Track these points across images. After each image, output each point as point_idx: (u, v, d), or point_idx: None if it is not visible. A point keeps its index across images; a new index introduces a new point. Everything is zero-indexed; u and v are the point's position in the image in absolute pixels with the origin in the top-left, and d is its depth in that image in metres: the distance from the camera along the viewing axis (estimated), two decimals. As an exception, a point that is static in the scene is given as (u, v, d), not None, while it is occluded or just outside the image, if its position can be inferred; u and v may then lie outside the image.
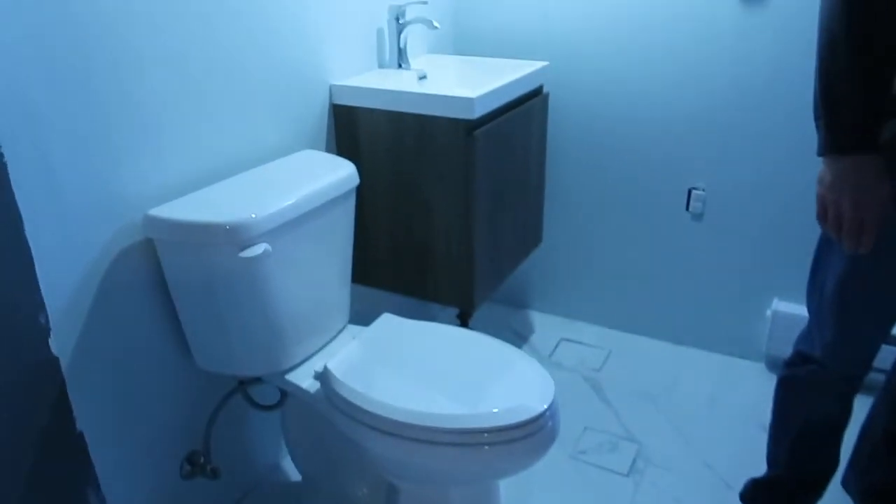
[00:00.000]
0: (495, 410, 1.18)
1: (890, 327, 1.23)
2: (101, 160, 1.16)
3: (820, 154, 1.03)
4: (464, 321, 1.83)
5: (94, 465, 1.18)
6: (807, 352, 1.30)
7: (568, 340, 2.24)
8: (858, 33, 0.95)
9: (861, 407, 1.46)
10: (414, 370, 1.31)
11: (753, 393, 1.95)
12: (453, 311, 1.82)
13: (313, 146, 1.65)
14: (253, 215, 1.20)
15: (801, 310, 1.90)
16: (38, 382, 1.07)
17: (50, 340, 1.08)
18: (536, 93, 1.92)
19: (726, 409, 1.91)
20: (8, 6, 0.99)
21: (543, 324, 2.33)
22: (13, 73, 1.02)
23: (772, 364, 2.05)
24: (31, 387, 1.06)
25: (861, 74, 0.96)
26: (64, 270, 1.14)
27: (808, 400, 1.33)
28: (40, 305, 1.06)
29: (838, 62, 0.97)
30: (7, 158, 0.98)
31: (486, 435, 1.15)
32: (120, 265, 1.23)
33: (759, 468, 1.46)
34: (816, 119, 1.02)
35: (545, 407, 1.19)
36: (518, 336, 2.26)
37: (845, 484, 1.58)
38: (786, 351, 1.38)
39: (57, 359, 1.09)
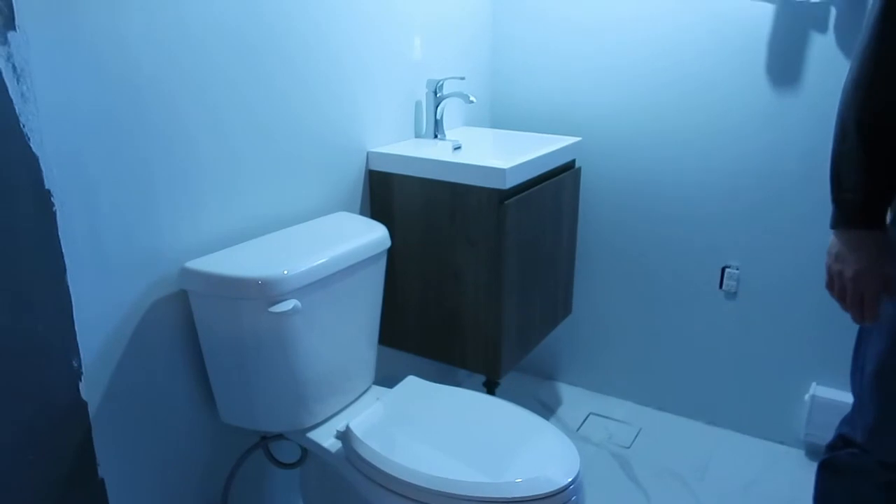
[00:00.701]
0: (518, 481, 1.15)
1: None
2: (143, 215, 1.21)
3: (830, 227, 1.08)
4: (490, 389, 1.81)
5: (113, 514, 1.18)
6: (849, 435, 1.25)
7: (597, 415, 2.19)
8: (866, 121, 1.01)
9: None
10: (437, 434, 1.29)
11: (791, 480, 1.86)
12: (480, 379, 1.81)
13: (348, 209, 1.69)
14: (285, 272, 1.22)
15: (840, 395, 1.84)
16: (66, 425, 1.09)
17: (80, 385, 1.10)
18: (568, 167, 1.95)
19: (762, 495, 1.82)
20: (77, 73, 1.07)
21: (571, 396, 2.29)
22: (71, 133, 1.09)
23: (811, 451, 1.97)
24: (59, 429, 1.08)
25: (867, 159, 1.02)
26: (99, 317, 1.18)
27: (849, 486, 1.26)
28: (74, 350, 1.09)
29: (846, 145, 1.03)
30: (57, 208, 1.03)
31: (506, 505, 1.12)
32: (153, 315, 1.26)
33: (797, 559, 1.38)
34: (830, 194, 1.08)
35: (569, 480, 1.16)
36: (545, 408, 2.22)
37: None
38: (825, 437, 1.33)
39: (86, 403, 1.11)
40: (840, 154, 1.05)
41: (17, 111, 0.96)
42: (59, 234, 1.04)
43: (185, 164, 1.27)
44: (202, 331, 1.28)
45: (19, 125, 0.97)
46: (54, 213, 1.03)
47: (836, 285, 1.08)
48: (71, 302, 1.08)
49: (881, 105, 1.00)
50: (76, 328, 1.09)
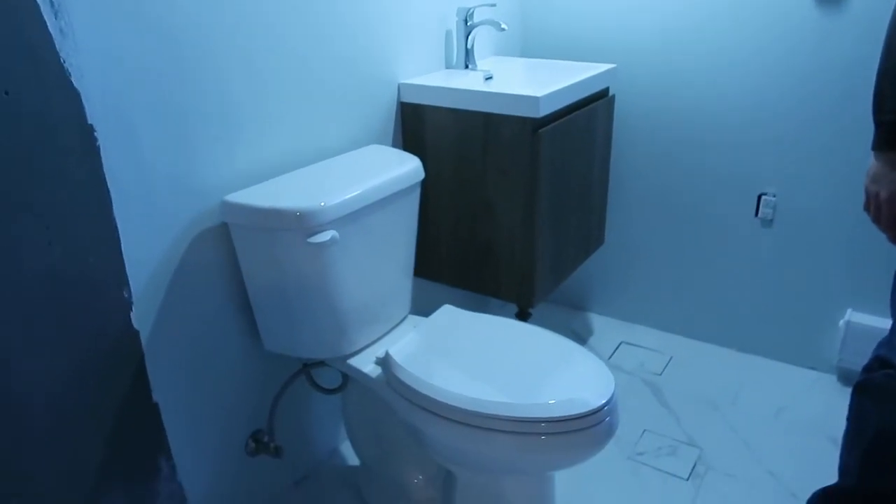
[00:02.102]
0: (553, 402, 1.18)
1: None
2: (184, 150, 1.24)
3: (871, 148, 1.07)
4: (522, 320, 1.83)
5: (167, 435, 1.25)
6: (886, 356, 1.25)
7: (628, 344, 2.22)
8: None
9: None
10: (473, 360, 1.32)
11: (823, 405, 1.88)
12: (512, 309, 1.83)
13: (380, 142, 1.69)
14: (322, 203, 1.24)
15: (876, 321, 1.83)
16: (120, 353, 1.14)
17: (132, 314, 1.15)
18: (602, 95, 1.92)
19: (794, 419, 1.85)
20: (114, 9, 1.08)
21: (603, 326, 2.31)
22: (111, 70, 1.10)
23: (843, 376, 1.98)
24: (113, 357, 1.13)
25: None
26: (146, 249, 1.22)
27: (884, 407, 1.27)
28: (125, 281, 1.13)
29: (889, 62, 1.01)
30: (101, 142, 1.06)
31: (543, 425, 1.16)
32: (197, 247, 1.30)
33: (828, 480, 1.40)
34: (872, 115, 1.06)
35: (604, 401, 1.18)
36: (577, 337, 2.25)
37: (921, 501, 1.50)
38: (859, 363, 1.33)
39: (137, 332, 1.16)
40: (884, 73, 1.03)
41: (56, 46, 0.97)
42: (104, 168, 1.07)
43: (221, 100, 1.28)
44: (244, 262, 1.32)
45: (59, 60, 0.98)
46: (98, 148, 1.05)
47: (872, 206, 1.08)
48: (118, 235, 1.11)
49: None
50: (125, 260, 1.13)
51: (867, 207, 1.09)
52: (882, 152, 1.05)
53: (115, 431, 1.15)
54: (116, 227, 1.11)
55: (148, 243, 1.22)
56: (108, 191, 1.09)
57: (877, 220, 1.08)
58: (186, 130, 1.23)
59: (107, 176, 1.08)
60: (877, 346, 1.29)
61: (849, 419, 1.35)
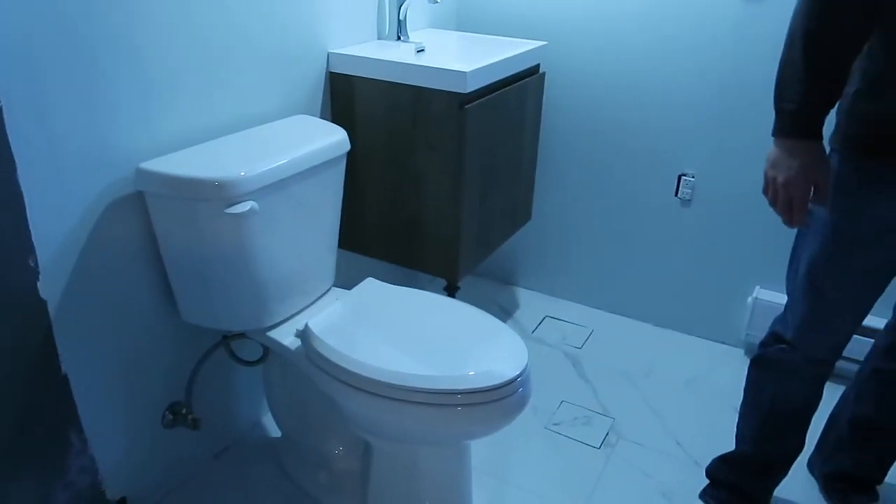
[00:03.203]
0: (470, 374, 1.21)
1: (861, 317, 1.26)
2: (96, 114, 1.19)
3: (772, 135, 1.12)
4: (450, 293, 1.86)
5: (78, 408, 1.22)
6: (780, 332, 1.34)
7: (552, 318, 2.28)
8: (812, 29, 1.03)
9: (834, 395, 1.50)
10: (393, 333, 1.34)
11: (729, 376, 1.98)
12: (441, 283, 1.86)
13: (308, 112, 1.67)
14: (242, 173, 1.22)
15: (781, 298, 1.92)
16: (26, 323, 1.11)
17: (38, 283, 1.11)
18: (533, 72, 1.93)
19: (702, 390, 1.95)
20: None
21: (529, 301, 2.37)
22: (16, 22, 1.04)
23: (749, 350, 2.09)
24: (19, 327, 1.09)
25: (808, 69, 1.04)
26: (55, 217, 1.17)
27: (777, 380, 1.36)
28: (30, 249, 1.09)
29: (792, 53, 1.06)
30: (3, 104, 1.00)
31: (459, 397, 1.19)
32: (111, 216, 1.25)
33: (729, 447, 1.50)
34: (773, 102, 1.11)
35: (517, 373, 1.22)
36: (503, 311, 2.30)
37: (810, 466, 1.62)
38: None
39: (45, 301, 1.12)
40: (786, 63, 1.08)
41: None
42: (6, 128, 1.02)
43: (137, 62, 1.23)
44: (160, 232, 1.29)
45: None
46: (0, 108, 1.00)
47: (770, 190, 1.13)
48: (23, 200, 1.07)
49: (826, 14, 1.01)
50: (31, 227, 1.08)
51: (766, 191, 1.14)
52: (781, 139, 1.10)
53: (21, 404, 1.12)
54: (21, 191, 1.06)
55: (57, 210, 1.17)
56: (10, 152, 1.04)
57: (774, 203, 1.13)
58: (99, 92, 1.18)
59: (9, 136, 1.03)
60: (773, 323, 1.37)
61: (746, 391, 1.44)
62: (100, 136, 1.20)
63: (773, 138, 1.12)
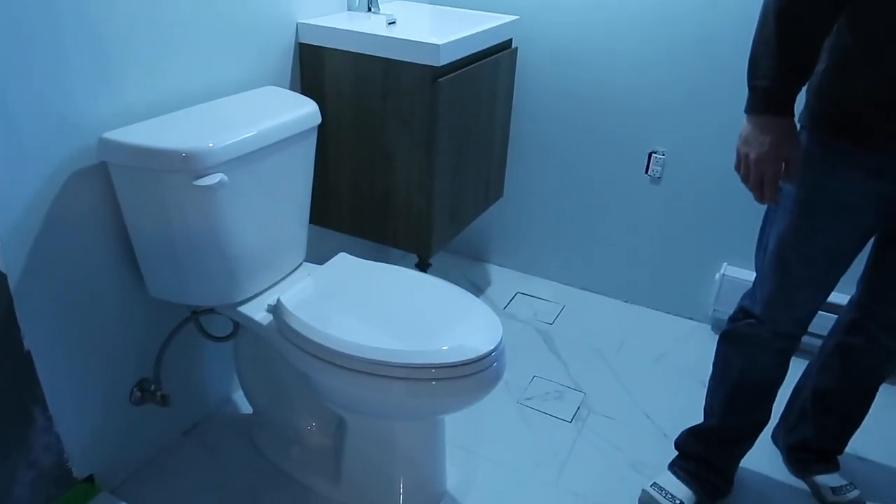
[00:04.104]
0: (444, 349, 1.21)
1: (826, 293, 1.29)
2: (54, 81, 1.14)
3: (745, 111, 1.13)
4: (422, 270, 1.85)
5: (42, 385, 1.19)
6: (748, 307, 1.36)
7: (524, 294, 2.29)
8: (785, 6, 1.03)
9: (799, 369, 1.53)
10: (366, 308, 1.33)
11: (697, 352, 2.02)
12: (413, 259, 1.84)
13: (277, 83, 1.63)
14: (210, 144, 1.19)
15: (748, 275, 1.97)
16: (-15, 297, 1.07)
17: (-3, 256, 1.07)
18: (505, 46, 1.92)
19: (670, 365, 1.98)
20: None
21: (501, 277, 2.37)
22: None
23: (717, 325, 2.13)
24: (-23, 301, 1.06)
25: (780, 47, 1.05)
26: (14, 188, 1.13)
27: (745, 353, 1.39)
28: (-12, 220, 1.05)
29: (765, 31, 1.06)
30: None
31: (433, 371, 1.19)
32: (73, 187, 1.21)
33: (697, 420, 1.52)
34: (747, 80, 1.12)
35: (492, 348, 1.22)
36: (475, 288, 2.30)
37: (774, 438, 1.66)
38: (731, 313, 1.43)
39: (5, 275, 1.09)
40: (759, 41, 1.08)
41: None
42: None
43: (100, 27, 1.18)
44: (125, 205, 1.25)
45: None
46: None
47: (742, 167, 1.14)
48: (-21, 170, 1.03)
49: None
50: (-13, 198, 1.05)
51: (738, 167, 1.15)
52: (753, 115, 1.11)
53: (-20, 380, 1.09)
54: (-24, 161, 1.02)
55: (16, 181, 1.13)
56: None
57: (745, 179, 1.14)
58: (58, 59, 1.13)
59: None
60: (741, 298, 1.39)
61: (715, 365, 1.46)
62: (61, 103, 1.15)
63: (745, 115, 1.12)
